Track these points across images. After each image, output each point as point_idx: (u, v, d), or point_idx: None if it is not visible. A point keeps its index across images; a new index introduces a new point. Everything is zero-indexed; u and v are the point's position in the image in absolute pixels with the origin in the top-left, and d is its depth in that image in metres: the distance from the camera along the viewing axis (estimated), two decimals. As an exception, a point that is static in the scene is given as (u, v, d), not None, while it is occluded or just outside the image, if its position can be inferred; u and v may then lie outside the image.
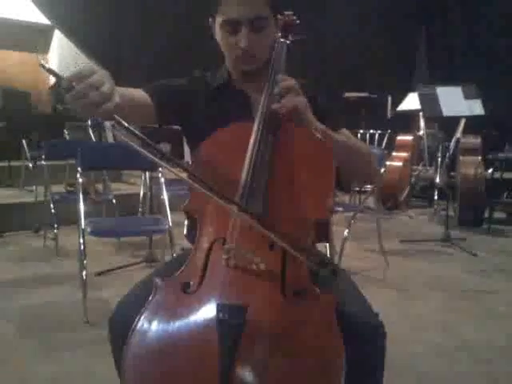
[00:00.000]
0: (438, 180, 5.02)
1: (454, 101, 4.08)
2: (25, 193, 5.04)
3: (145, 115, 1.32)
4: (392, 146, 5.83)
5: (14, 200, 4.71)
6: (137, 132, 0.97)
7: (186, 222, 1.22)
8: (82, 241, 2.59)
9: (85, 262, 2.60)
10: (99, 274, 3.22)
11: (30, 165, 4.92)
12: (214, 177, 1.11)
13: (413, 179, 5.92)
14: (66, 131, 5.76)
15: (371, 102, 6.10)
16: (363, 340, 1.07)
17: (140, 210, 3.90)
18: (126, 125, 0.97)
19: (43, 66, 0.97)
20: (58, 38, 7.84)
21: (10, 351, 2.25)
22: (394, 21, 6.95)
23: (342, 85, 6.24)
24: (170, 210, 2.79)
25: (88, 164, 2.94)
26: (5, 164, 5.41)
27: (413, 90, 5.42)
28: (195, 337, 0.94)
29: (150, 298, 1.00)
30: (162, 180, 2.95)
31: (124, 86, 1.19)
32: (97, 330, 2.35)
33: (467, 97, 4.09)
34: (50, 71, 0.94)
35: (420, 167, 6.13)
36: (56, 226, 3.64)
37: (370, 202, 3.89)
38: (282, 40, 1.40)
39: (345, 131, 1.37)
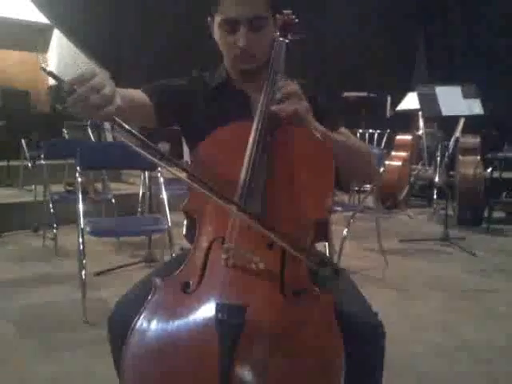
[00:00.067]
0: (437, 179, 5.02)
1: (453, 100, 4.09)
2: (24, 192, 5.04)
3: (144, 116, 1.31)
4: (391, 145, 5.83)
5: (14, 200, 4.70)
6: (136, 133, 0.97)
7: (185, 222, 1.21)
8: (81, 240, 2.59)
9: (84, 261, 2.60)
10: (98, 273, 3.22)
11: (29, 164, 4.92)
12: (213, 176, 1.11)
13: (412, 179, 5.92)
14: (65, 131, 5.77)
15: (370, 102, 6.10)
16: (363, 340, 1.07)
17: (139, 209, 3.90)
18: (127, 127, 0.97)
19: (44, 69, 0.97)
20: (58, 38, 7.84)
21: (10, 351, 2.25)
22: (393, 21, 6.95)
23: (342, 85, 6.24)
24: (170, 209, 2.80)
25: (87, 163, 2.94)
26: (4, 163, 5.41)
27: (412, 90, 5.43)
28: (195, 336, 0.94)
29: (150, 298, 1.00)
30: (161, 179, 2.95)
31: (124, 86, 1.19)
32: (96, 330, 2.35)
33: (466, 96, 4.09)
34: (52, 74, 0.95)
35: (419, 167, 6.12)
36: (55, 225, 3.64)
37: (370, 201, 3.89)
38: (281, 39, 1.40)
39: (344, 130, 1.37)
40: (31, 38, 7.82)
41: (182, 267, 1.07)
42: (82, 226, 2.59)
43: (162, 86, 1.38)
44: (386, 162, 4.63)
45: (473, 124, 4.98)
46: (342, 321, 0.97)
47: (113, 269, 3.31)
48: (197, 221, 1.14)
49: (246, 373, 0.90)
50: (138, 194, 3.86)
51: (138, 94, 1.28)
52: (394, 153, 5.69)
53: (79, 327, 2.46)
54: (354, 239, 3.92)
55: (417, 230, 4.71)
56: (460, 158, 4.90)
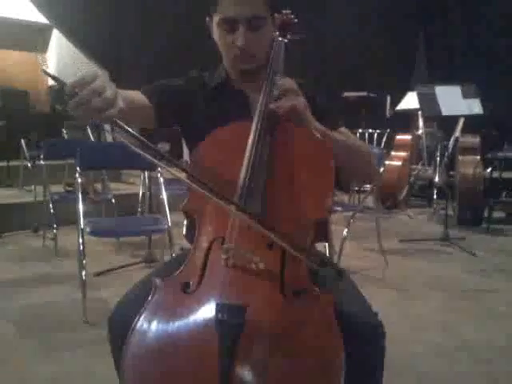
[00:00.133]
0: (437, 179, 5.02)
1: (453, 100, 4.09)
2: (24, 193, 5.04)
3: (144, 118, 1.31)
4: (391, 145, 5.83)
5: (13, 200, 4.70)
6: (137, 134, 0.98)
7: (185, 222, 1.21)
8: (81, 241, 2.59)
9: (84, 261, 2.60)
10: (99, 273, 3.22)
11: (29, 164, 4.92)
12: (213, 176, 1.11)
13: (412, 178, 5.92)
14: (64, 131, 5.77)
15: (370, 102, 6.11)
16: (363, 340, 1.07)
17: (139, 209, 3.90)
18: (128, 128, 0.97)
19: (46, 72, 0.97)
20: (57, 38, 7.84)
21: (10, 351, 2.25)
22: (393, 21, 6.95)
23: (342, 85, 6.25)
24: (170, 209, 2.80)
25: (87, 164, 2.94)
26: (4, 164, 5.41)
27: (412, 90, 5.43)
28: (195, 336, 0.94)
29: (150, 298, 1.00)
30: (161, 180, 2.95)
31: (124, 86, 1.19)
32: (96, 330, 2.35)
33: (466, 96, 4.09)
34: (53, 77, 0.95)
35: (419, 166, 6.12)
36: (55, 225, 3.64)
37: (370, 201, 3.89)
38: (280, 39, 1.40)
39: (344, 130, 1.37)
40: (31, 38, 7.82)
41: (181, 267, 1.07)
42: (82, 226, 2.59)
43: (162, 86, 1.38)
44: (386, 162, 4.63)
45: (472, 124, 4.98)
46: (342, 321, 0.97)
47: (113, 269, 3.31)
48: (196, 221, 1.14)
49: (245, 373, 0.90)
50: (138, 194, 3.86)
51: (137, 96, 1.28)
52: (393, 153, 5.69)
53: (79, 327, 2.46)
54: (354, 239, 3.92)
55: (417, 230, 4.72)
56: (460, 157, 4.90)
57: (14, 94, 6.62)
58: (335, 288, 1.05)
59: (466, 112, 4.16)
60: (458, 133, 5.04)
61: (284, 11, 1.40)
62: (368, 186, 4.25)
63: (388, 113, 6.08)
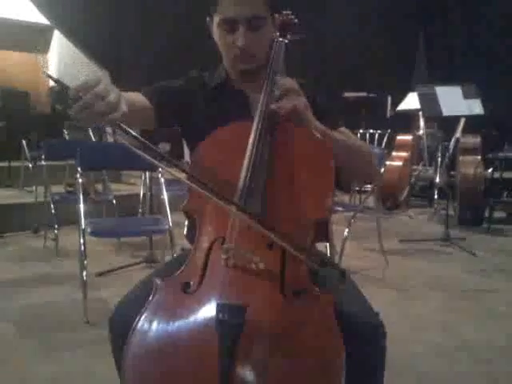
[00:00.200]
0: (437, 180, 5.03)
1: (454, 100, 4.09)
2: (24, 193, 5.04)
3: (145, 119, 1.32)
4: (392, 145, 5.83)
5: (14, 200, 4.71)
6: (139, 137, 0.98)
7: (186, 222, 1.22)
8: (82, 241, 2.59)
9: (85, 262, 2.60)
10: (99, 274, 3.22)
11: (30, 165, 4.93)
12: (213, 176, 1.11)
13: (412, 179, 5.93)
14: (65, 131, 5.77)
15: (371, 102, 6.12)
16: (363, 340, 1.07)
17: (140, 210, 3.90)
18: (131, 131, 0.97)
19: (50, 76, 0.98)
20: (58, 38, 7.85)
21: (10, 351, 2.25)
22: (393, 21, 6.96)
23: (342, 85, 6.25)
24: (170, 210, 2.80)
25: (88, 164, 2.94)
26: (4, 164, 5.41)
27: (412, 90, 5.43)
28: (195, 337, 0.94)
29: (150, 298, 1.00)
30: (162, 180, 2.95)
31: (124, 86, 1.19)
32: (97, 330, 2.35)
33: (466, 96, 4.09)
34: (57, 81, 0.95)
35: (420, 167, 6.13)
36: (56, 226, 3.64)
37: (370, 201, 3.89)
38: (280, 39, 1.40)
39: (344, 130, 1.37)
40: (31, 39, 7.83)
41: (182, 268, 1.07)
42: (83, 226, 2.59)
43: (162, 87, 1.39)
44: (387, 163, 4.64)
45: (473, 124, 4.98)
46: (342, 321, 0.97)
47: (113, 269, 3.31)
48: (197, 221, 1.14)
49: (246, 373, 0.90)
50: (139, 195, 3.86)
51: (137, 98, 1.28)
52: (394, 153, 5.69)
53: (79, 327, 2.46)
54: (355, 239, 3.92)
55: (417, 230, 4.72)
56: (460, 158, 4.90)
57: (14, 95, 6.63)
58: (335, 288, 1.05)
59: (467, 112, 4.16)
60: (458, 133, 5.04)
61: (284, 11, 1.40)
62: (369, 186, 4.25)
63: (389, 113, 6.08)
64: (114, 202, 3.89)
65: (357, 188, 5.14)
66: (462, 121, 4.98)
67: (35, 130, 5.48)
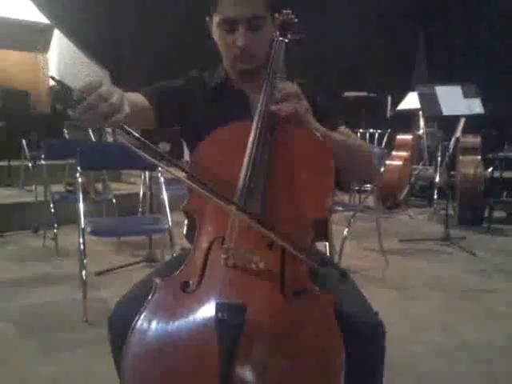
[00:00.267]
0: (437, 179, 5.03)
1: (454, 100, 4.09)
2: (24, 192, 5.04)
3: (145, 119, 1.32)
4: (392, 145, 5.83)
5: (14, 200, 4.71)
6: (139, 137, 0.98)
7: (185, 222, 1.22)
8: (81, 240, 2.59)
9: (85, 261, 2.61)
10: (99, 273, 3.22)
11: (30, 164, 4.93)
12: (213, 176, 1.11)
13: (412, 178, 5.93)
14: (65, 131, 5.77)
15: (371, 102, 6.11)
16: (363, 340, 1.07)
17: (140, 209, 3.90)
18: (133, 132, 0.98)
19: (53, 78, 0.98)
20: (58, 38, 7.85)
21: (10, 351, 2.25)
22: (394, 21, 6.95)
23: (342, 85, 6.25)
24: (170, 209, 2.80)
25: (87, 164, 2.94)
26: (4, 164, 5.41)
27: (412, 90, 5.43)
28: (195, 336, 0.94)
29: (150, 298, 1.00)
30: (162, 179, 2.95)
31: (124, 86, 1.19)
32: (97, 330, 2.35)
33: (466, 96, 4.09)
34: (61, 83, 0.95)
35: (420, 166, 6.13)
36: (56, 225, 3.64)
37: (370, 201, 3.89)
38: (280, 39, 1.40)
39: (344, 129, 1.37)
40: (31, 38, 7.82)
41: (182, 267, 1.07)
42: (83, 225, 2.59)
43: (162, 87, 1.39)
44: (387, 162, 4.64)
45: (473, 124, 4.98)
46: (342, 321, 0.96)
47: (113, 269, 3.31)
48: (197, 221, 1.14)
49: (245, 373, 0.90)
50: (139, 194, 3.86)
51: (137, 98, 1.28)
52: (394, 153, 5.69)
53: (79, 327, 2.46)
54: (355, 239, 3.92)
55: (417, 230, 4.71)
56: (460, 157, 4.90)
57: (14, 95, 6.63)
58: (335, 288, 1.05)
59: (467, 112, 4.15)
60: (458, 133, 5.04)
61: (284, 11, 1.40)
62: (368, 185, 4.25)
63: (389, 113, 6.08)
64: (114, 201, 3.89)
65: (356, 188, 5.15)
66: (462, 120, 4.98)
67: (35, 130, 5.48)
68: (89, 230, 2.57)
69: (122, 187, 5.29)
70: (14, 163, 5.42)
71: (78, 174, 2.85)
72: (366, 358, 1.08)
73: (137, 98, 1.28)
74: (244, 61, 1.30)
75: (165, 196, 2.88)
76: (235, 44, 1.26)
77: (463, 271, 3.48)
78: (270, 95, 1.23)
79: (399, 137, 5.81)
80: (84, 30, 6.65)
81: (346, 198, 5.15)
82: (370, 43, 6.84)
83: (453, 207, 4.96)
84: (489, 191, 4.85)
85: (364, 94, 6.16)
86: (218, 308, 0.91)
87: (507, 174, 5.17)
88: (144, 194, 3.68)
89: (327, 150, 1.18)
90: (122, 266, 3.36)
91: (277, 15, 1.36)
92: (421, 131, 6.03)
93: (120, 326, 1.07)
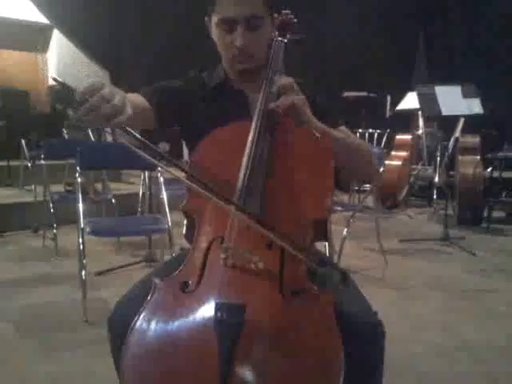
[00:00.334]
0: (437, 179, 5.02)
1: (453, 100, 4.09)
2: (24, 192, 5.04)
3: (145, 119, 1.32)
4: (391, 145, 5.83)
5: (14, 200, 4.70)
6: (140, 137, 0.98)
7: (185, 222, 1.22)
8: (81, 240, 2.59)
9: (84, 261, 2.60)
10: (99, 273, 3.22)
11: (29, 164, 4.93)
12: (213, 176, 1.11)
13: (412, 178, 5.93)
14: (64, 130, 5.77)
15: (370, 102, 6.12)
16: (363, 340, 1.07)
17: (139, 209, 3.90)
18: (134, 133, 0.98)
19: (56, 80, 0.98)
20: (57, 38, 7.84)
21: (10, 351, 2.25)
22: (393, 21, 6.95)
23: (342, 85, 6.25)
24: (170, 209, 2.79)
25: (87, 164, 2.94)
26: (4, 164, 5.41)
27: (412, 90, 5.43)
28: (194, 336, 0.94)
29: (149, 298, 1.00)
30: (161, 179, 2.95)
31: (124, 86, 1.19)
32: (96, 330, 2.35)
33: (466, 96, 4.09)
34: (63, 85, 0.95)
35: (419, 166, 6.13)
36: (55, 225, 3.64)
37: (369, 201, 3.89)
38: (279, 39, 1.40)
39: (343, 129, 1.36)
40: (31, 38, 7.82)
41: (181, 267, 1.07)
42: (82, 225, 2.59)
43: (162, 87, 1.39)
44: (386, 162, 4.63)
45: (472, 124, 4.98)
46: (341, 321, 0.97)
47: (113, 269, 3.31)
48: (196, 221, 1.14)
49: (245, 373, 0.90)
50: (138, 194, 3.86)
51: (137, 99, 1.28)
52: (393, 152, 5.69)
53: (79, 327, 2.46)
54: (354, 239, 3.92)
55: (417, 230, 4.71)
56: (460, 157, 4.90)
57: (14, 94, 6.63)
58: (335, 288, 1.05)
59: (466, 112, 4.16)
60: (458, 133, 5.05)
61: (283, 11, 1.40)
62: (368, 185, 4.25)
63: (388, 113, 6.08)
64: (114, 201, 3.89)
65: (356, 187, 5.15)
66: (462, 120, 4.99)
67: (35, 130, 5.48)
68: (88, 230, 2.57)
69: (121, 187, 5.29)
70: (13, 163, 5.42)
71: (77, 174, 2.85)
72: (366, 358, 1.08)
73: (137, 98, 1.28)
74: (242, 61, 1.30)
75: (164, 196, 2.88)
76: (234, 44, 1.26)
77: (463, 271, 3.48)
78: (269, 95, 1.23)
79: (398, 137, 5.81)
80: (84, 30, 6.66)
81: (345, 197, 5.15)
82: (370, 43, 6.84)
83: (452, 207, 4.96)
84: (488, 191, 4.85)
85: (364, 93, 6.17)
86: (218, 308, 0.91)
87: (506, 174, 5.17)
88: (143, 193, 3.68)
89: (327, 149, 1.18)
90: (121, 266, 3.36)
91: (276, 15, 1.36)
92: (420, 131, 6.03)
93: (120, 326, 1.07)
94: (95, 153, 3.09)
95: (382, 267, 3.42)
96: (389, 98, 6.10)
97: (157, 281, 1.02)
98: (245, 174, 1.12)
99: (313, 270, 1.01)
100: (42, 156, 3.74)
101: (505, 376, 2.09)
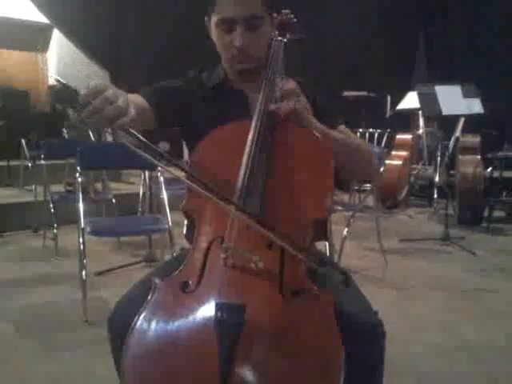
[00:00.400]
0: (437, 179, 5.03)
1: (453, 100, 4.09)
2: (24, 192, 5.04)
3: (145, 120, 1.32)
4: (391, 145, 5.83)
5: (14, 200, 4.71)
6: (141, 137, 0.98)
7: (185, 222, 1.21)
8: (81, 240, 2.59)
9: (84, 261, 2.60)
10: (99, 273, 3.22)
11: (29, 164, 4.92)
12: (212, 176, 1.11)
13: (412, 178, 5.92)
14: (64, 130, 5.77)
15: (370, 101, 6.12)
16: (363, 340, 1.07)
17: (139, 209, 3.90)
18: (135, 133, 0.98)
19: (59, 81, 0.98)
20: (57, 38, 7.84)
21: (10, 351, 2.25)
22: (393, 21, 6.95)
23: (342, 84, 6.25)
24: (170, 209, 2.79)
25: (87, 163, 2.94)
26: (4, 163, 5.41)
27: (412, 90, 5.43)
28: (194, 336, 0.94)
29: (149, 298, 1.00)
30: (162, 179, 2.95)
31: (124, 86, 1.19)
32: (96, 330, 2.35)
33: (466, 95, 4.09)
34: (66, 86, 0.96)
35: (419, 166, 6.13)
36: (55, 225, 3.64)
37: (370, 200, 3.89)
38: (279, 39, 1.40)
39: (343, 128, 1.37)
40: (31, 38, 7.81)
41: (181, 267, 1.07)
42: (83, 225, 2.59)
43: (162, 87, 1.39)
44: (386, 162, 4.63)
45: (473, 123, 4.98)
46: (341, 321, 0.96)
47: (113, 269, 3.31)
48: (196, 221, 1.14)
49: (245, 372, 0.90)
50: (139, 194, 3.86)
51: (137, 100, 1.28)
52: (394, 152, 5.69)
53: (79, 327, 2.46)
54: (354, 239, 3.92)
55: (417, 230, 4.71)
56: (460, 157, 4.89)
57: (14, 94, 6.63)
58: (335, 288, 1.05)
59: (467, 111, 4.15)
60: (458, 132, 5.05)
61: (283, 11, 1.40)
62: (368, 185, 4.24)
63: (388, 112, 6.08)
64: (114, 201, 3.89)
65: (356, 187, 5.15)
66: (462, 120, 4.99)
67: (35, 130, 5.48)
68: (88, 229, 2.57)
69: (121, 187, 5.29)
70: (13, 163, 5.41)
71: (77, 174, 2.85)
72: (366, 358, 1.08)
73: (137, 99, 1.28)
74: (242, 61, 1.30)
75: (164, 196, 2.88)
76: (233, 44, 1.26)
77: (463, 271, 3.48)
78: (269, 95, 1.23)
79: (399, 136, 5.81)
80: (84, 30, 6.65)
81: (345, 197, 5.15)
82: (370, 43, 6.84)
83: (452, 207, 4.96)
84: (488, 191, 4.85)
85: (364, 93, 6.16)
86: (218, 308, 0.91)
87: (507, 174, 5.17)
88: (144, 193, 3.68)
89: (327, 149, 1.18)
90: (121, 266, 3.36)
91: (275, 15, 1.36)
92: (420, 131, 6.03)
93: (120, 326, 1.07)
94: (95, 153, 3.09)
95: (382, 267, 3.42)
96: (389, 97, 6.09)
97: (157, 281, 1.02)
98: (245, 174, 1.12)
99: (313, 270, 1.01)
100: (42, 156, 3.74)
101: (505, 376, 2.09)
